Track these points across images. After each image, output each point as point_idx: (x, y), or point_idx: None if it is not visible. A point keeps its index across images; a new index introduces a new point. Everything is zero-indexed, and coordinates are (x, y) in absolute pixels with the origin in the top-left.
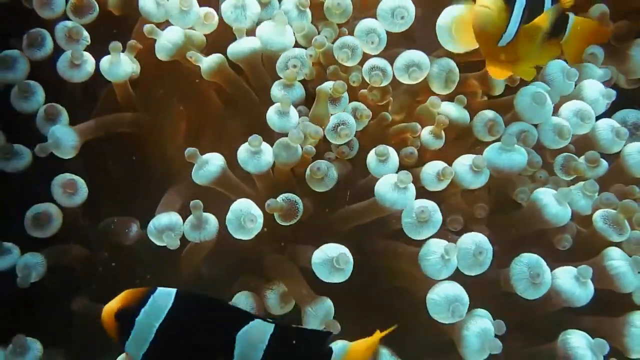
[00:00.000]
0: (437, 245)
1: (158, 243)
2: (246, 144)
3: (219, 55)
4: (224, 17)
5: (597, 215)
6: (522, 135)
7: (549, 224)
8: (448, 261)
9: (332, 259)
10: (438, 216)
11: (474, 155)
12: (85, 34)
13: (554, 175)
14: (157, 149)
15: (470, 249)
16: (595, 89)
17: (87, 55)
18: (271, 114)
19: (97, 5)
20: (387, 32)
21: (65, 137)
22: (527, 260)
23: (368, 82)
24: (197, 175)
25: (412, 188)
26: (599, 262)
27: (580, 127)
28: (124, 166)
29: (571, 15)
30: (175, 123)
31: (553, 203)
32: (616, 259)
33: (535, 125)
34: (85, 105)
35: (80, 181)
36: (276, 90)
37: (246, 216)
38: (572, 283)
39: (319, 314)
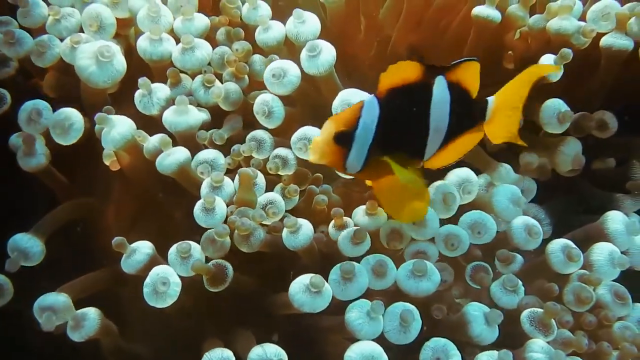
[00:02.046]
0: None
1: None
2: (174, 247)
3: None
4: (136, 104)
5: (524, 317)
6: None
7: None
8: (373, 319)
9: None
10: None
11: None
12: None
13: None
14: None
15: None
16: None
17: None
18: (197, 212)
19: None
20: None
21: (31, 247)
22: (433, 345)
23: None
24: (126, 264)
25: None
26: (520, 354)
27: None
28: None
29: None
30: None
31: (480, 321)
32: (537, 352)
33: None
34: None
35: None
36: (203, 190)
37: (161, 280)
38: None
39: None
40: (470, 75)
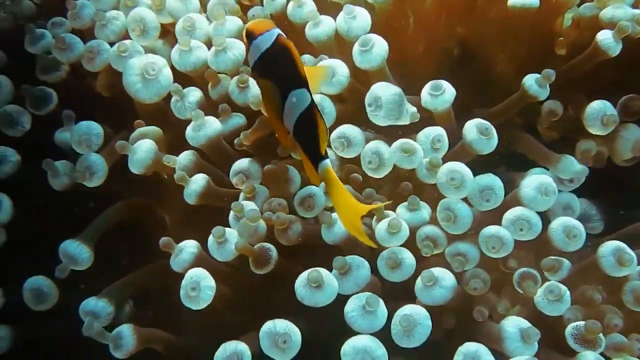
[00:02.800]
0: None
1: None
2: (212, 236)
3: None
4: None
5: (568, 333)
6: None
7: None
8: (369, 312)
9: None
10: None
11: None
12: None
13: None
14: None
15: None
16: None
17: None
18: (231, 220)
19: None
20: None
21: (79, 253)
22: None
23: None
24: (174, 263)
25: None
26: None
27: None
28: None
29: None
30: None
31: (516, 338)
32: None
33: None
34: None
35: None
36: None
37: (191, 285)
38: None
39: None
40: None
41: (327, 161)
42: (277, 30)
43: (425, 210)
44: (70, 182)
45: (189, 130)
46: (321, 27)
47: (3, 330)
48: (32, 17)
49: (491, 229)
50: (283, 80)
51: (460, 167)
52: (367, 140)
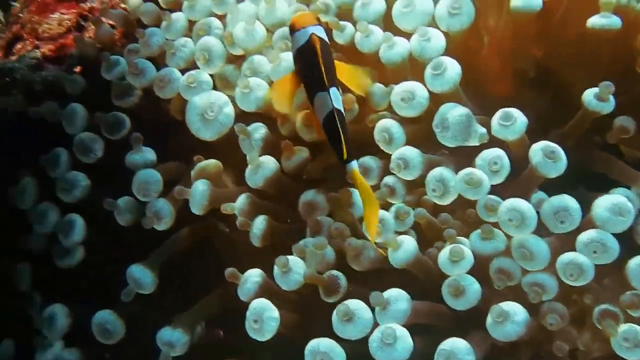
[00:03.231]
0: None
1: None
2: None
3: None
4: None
5: None
6: None
7: None
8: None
9: None
10: None
11: None
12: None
13: None
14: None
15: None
16: None
17: None
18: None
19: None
20: None
21: (143, 277)
22: None
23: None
24: (241, 293)
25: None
26: None
27: None
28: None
29: None
30: None
31: None
32: None
33: None
34: None
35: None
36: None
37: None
38: None
39: None
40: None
41: (353, 164)
42: (313, 28)
43: (500, 240)
44: (137, 217)
45: (247, 173)
46: (395, 48)
47: (73, 354)
48: (112, 43)
49: (569, 256)
50: (310, 81)
51: (519, 206)
52: (430, 164)
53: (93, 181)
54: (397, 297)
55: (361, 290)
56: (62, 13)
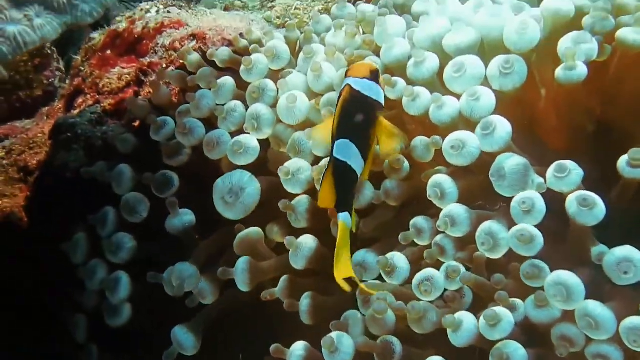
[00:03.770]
0: None
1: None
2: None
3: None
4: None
5: None
6: None
7: None
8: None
9: None
10: None
11: None
12: None
13: None
14: None
15: None
16: None
17: None
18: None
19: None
20: None
21: (185, 341)
22: None
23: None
24: None
25: None
26: None
27: None
28: None
29: None
30: None
31: None
32: None
33: None
34: None
35: None
36: None
37: None
38: None
39: None
40: None
41: (342, 215)
42: (355, 80)
43: (555, 308)
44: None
45: (290, 256)
46: (445, 109)
47: None
48: (170, 103)
49: (633, 321)
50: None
51: (565, 280)
52: (479, 219)
53: (139, 240)
54: None
55: (422, 354)
56: (122, 67)
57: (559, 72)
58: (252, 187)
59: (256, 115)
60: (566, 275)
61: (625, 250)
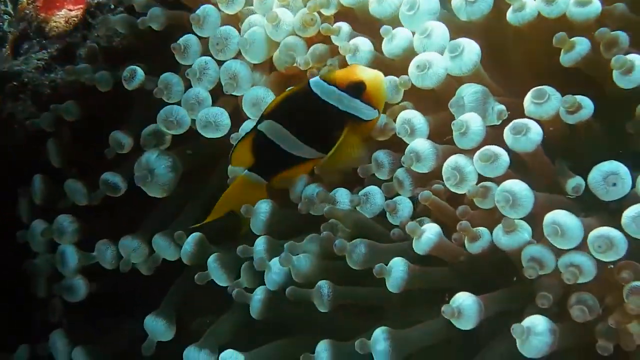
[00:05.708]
0: None
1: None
2: None
3: None
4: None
5: None
6: None
7: None
8: None
9: None
10: None
11: None
12: None
13: None
14: None
15: None
16: None
17: None
18: None
19: None
20: None
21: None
22: None
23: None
24: None
25: None
26: None
27: None
28: None
29: None
30: None
31: None
32: None
33: None
34: None
35: None
36: None
37: None
38: None
39: None
40: None
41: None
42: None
43: (525, 231)
44: None
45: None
46: (395, 41)
47: None
48: None
49: (599, 229)
50: None
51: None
52: (445, 154)
53: None
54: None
55: None
56: (69, 9)
57: (509, 15)
58: (161, 167)
59: (233, 75)
60: (516, 185)
61: (611, 165)
